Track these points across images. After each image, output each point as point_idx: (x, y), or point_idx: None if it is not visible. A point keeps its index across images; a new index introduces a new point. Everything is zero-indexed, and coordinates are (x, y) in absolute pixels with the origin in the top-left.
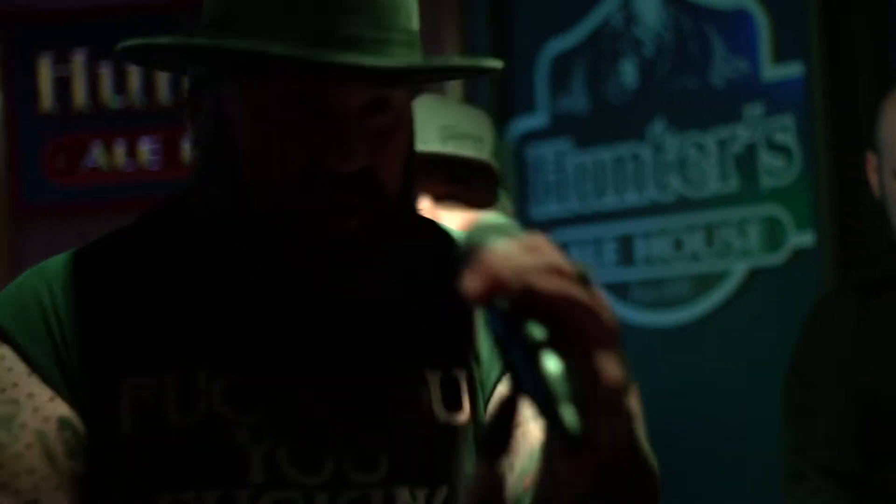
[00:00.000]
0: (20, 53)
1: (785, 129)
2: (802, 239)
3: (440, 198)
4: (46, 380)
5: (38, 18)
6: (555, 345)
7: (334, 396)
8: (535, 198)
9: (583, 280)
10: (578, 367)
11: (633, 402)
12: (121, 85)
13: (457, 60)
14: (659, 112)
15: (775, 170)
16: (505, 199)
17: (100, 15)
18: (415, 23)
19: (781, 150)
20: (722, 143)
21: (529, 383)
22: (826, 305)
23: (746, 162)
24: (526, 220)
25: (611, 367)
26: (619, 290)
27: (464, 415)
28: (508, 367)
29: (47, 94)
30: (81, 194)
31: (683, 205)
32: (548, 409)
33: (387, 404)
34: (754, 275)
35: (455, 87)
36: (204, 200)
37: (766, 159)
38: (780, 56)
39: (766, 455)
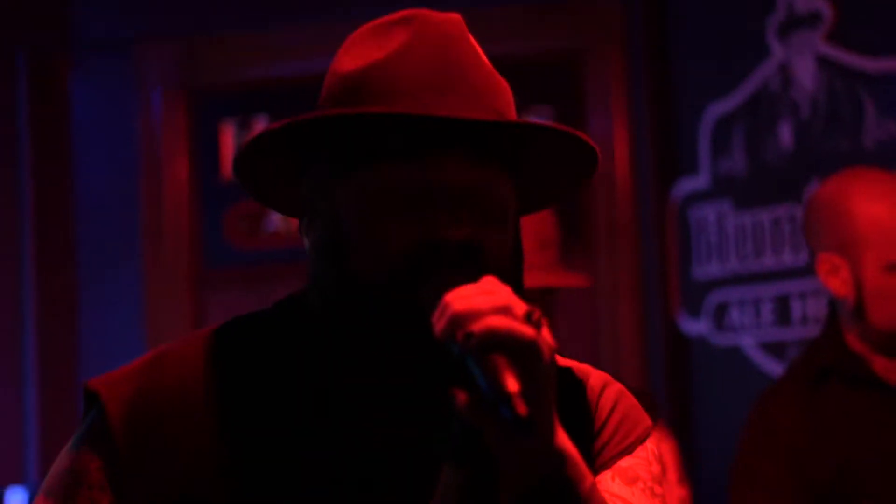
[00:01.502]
0: (205, 122)
1: None
2: None
3: None
4: (128, 486)
5: (223, 88)
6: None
7: None
8: (698, 258)
9: (529, 318)
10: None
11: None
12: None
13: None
14: (814, 173)
15: None
16: None
17: (281, 83)
18: (509, 108)
19: None
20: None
21: (486, 386)
22: (771, 399)
23: None
24: (689, 281)
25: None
26: (777, 350)
27: None
28: (471, 385)
29: (229, 162)
30: (262, 258)
31: None
32: (502, 401)
33: None
34: None
35: (622, 149)
36: (322, 297)
37: None
38: None
39: None
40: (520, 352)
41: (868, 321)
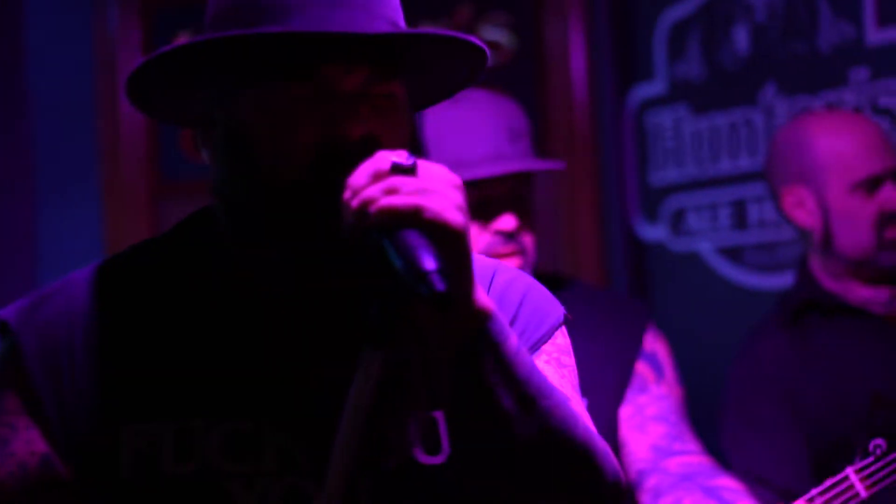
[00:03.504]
0: (160, 34)
1: (890, 93)
2: None
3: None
4: (45, 412)
5: (178, 1)
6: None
7: (322, 441)
8: (655, 164)
9: (408, 171)
10: (430, 235)
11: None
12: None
13: (438, 34)
14: (770, 77)
15: None
16: None
17: None
18: (398, 16)
19: (887, 113)
20: (830, 108)
21: (401, 266)
22: (757, 338)
23: None
24: (646, 187)
25: (448, 214)
26: (734, 254)
27: (443, 457)
28: (387, 266)
29: None
30: None
31: None
32: (418, 278)
33: (371, 446)
34: None
35: (578, 57)
36: (228, 203)
37: None
38: (885, 20)
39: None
40: (430, 226)
41: (836, 249)
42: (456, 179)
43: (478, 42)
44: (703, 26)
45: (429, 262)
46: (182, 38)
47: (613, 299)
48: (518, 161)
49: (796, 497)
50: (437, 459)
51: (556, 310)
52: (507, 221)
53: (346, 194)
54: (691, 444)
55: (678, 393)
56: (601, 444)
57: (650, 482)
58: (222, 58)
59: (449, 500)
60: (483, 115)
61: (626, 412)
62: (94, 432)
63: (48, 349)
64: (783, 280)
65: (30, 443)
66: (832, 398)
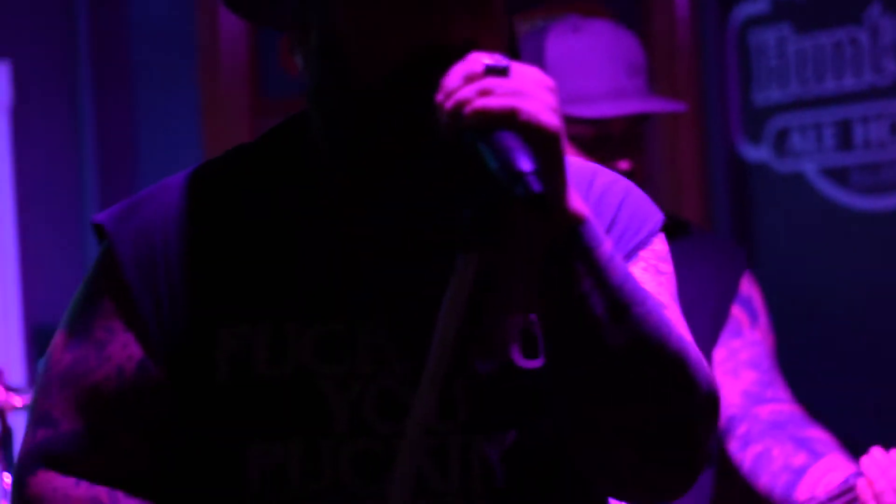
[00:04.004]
0: None
1: None
2: None
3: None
4: (142, 317)
5: None
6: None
7: (417, 345)
8: (758, 83)
9: (502, 73)
10: (525, 137)
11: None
12: None
13: None
14: None
15: None
16: None
17: None
18: None
19: None
20: None
21: (497, 167)
22: None
23: None
24: (749, 107)
25: (543, 116)
26: (839, 175)
27: (541, 361)
28: (482, 169)
29: None
30: None
31: None
32: (513, 179)
33: (466, 351)
34: None
35: None
36: (322, 106)
37: None
38: None
39: None
40: (525, 128)
41: None
42: (549, 81)
43: None
44: None
45: (525, 164)
46: None
47: (713, 241)
48: (638, 101)
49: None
50: (535, 363)
51: (656, 215)
52: (622, 165)
53: (440, 96)
54: (783, 391)
55: (771, 340)
56: (695, 354)
57: (741, 429)
58: None
59: (545, 405)
60: (603, 47)
61: (719, 355)
62: (190, 336)
63: (143, 254)
64: (889, 202)
65: (126, 346)
66: None
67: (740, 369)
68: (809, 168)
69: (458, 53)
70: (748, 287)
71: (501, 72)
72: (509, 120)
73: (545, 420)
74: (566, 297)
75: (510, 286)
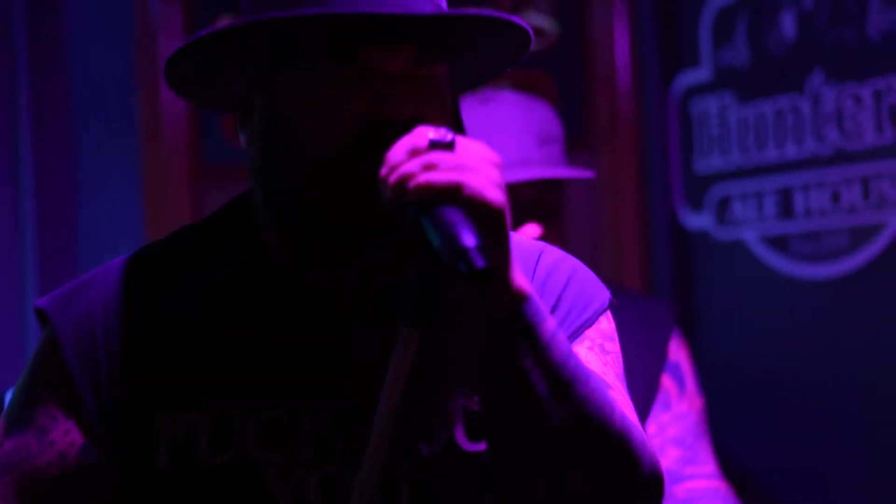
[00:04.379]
0: (202, 18)
1: None
2: None
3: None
4: (83, 402)
5: None
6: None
7: (359, 428)
8: (700, 151)
9: (447, 147)
10: (469, 212)
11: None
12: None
13: (481, 14)
14: (817, 64)
15: None
16: None
17: None
18: (443, 2)
19: None
20: (878, 95)
21: (440, 242)
22: None
23: None
24: (691, 174)
25: (487, 191)
26: (780, 243)
27: (485, 444)
28: (423, 245)
29: None
30: None
31: (841, 157)
32: (457, 255)
33: (409, 432)
34: None
35: (622, 43)
36: (267, 186)
37: None
38: None
39: None
40: (470, 203)
41: None
42: (495, 157)
43: (520, 22)
44: (749, 12)
45: (468, 239)
46: (222, 22)
47: (637, 301)
48: (544, 167)
49: None
50: (479, 446)
51: (602, 294)
52: (531, 230)
53: (384, 170)
54: (705, 465)
55: (698, 405)
56: (639, 434)
57: None
58: (262, 40)
59: (490, 488)
60: (513, 117)
61: (649, 429)
62: (131, 422)
63: (84, 339)
64: (829, 270)
65: (68, 433)
66: None
67: (666, 447)
68: (750, 236)
69: (404, 128)
70: (676, 350)
71: (447, 146)
72: (453, 195)
73: (488, 500)
74: (508, 375)
75: (453, 364)
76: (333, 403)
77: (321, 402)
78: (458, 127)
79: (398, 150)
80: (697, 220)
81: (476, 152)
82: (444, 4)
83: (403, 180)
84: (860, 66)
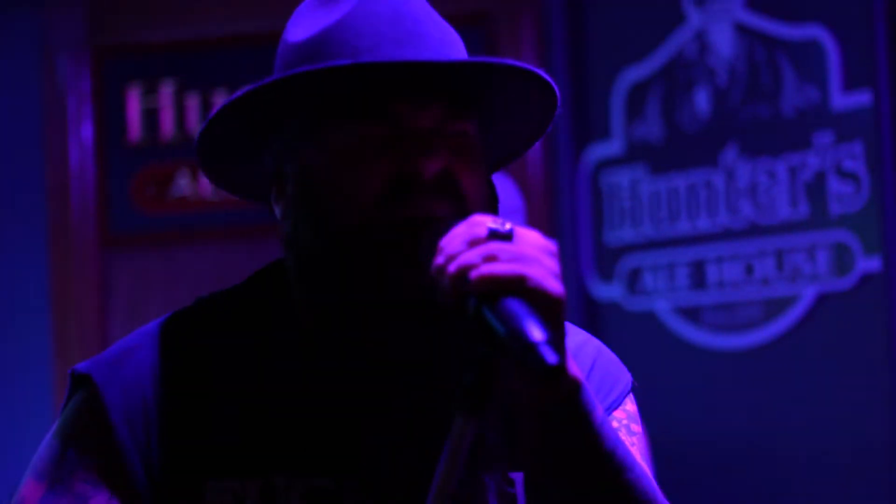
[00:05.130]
0: (110, 85)
1: (854, 157)
2: (871, 264)
3: None
4: (128, 471)
5: (129, 51)
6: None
7: (404, 497)
8: (611, 223)
9: (506, 237)
10: (532, 304)
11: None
12: (207, 115)
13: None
14: (731, 139)
15: (844, 196)
16: None
17: (188, 47)
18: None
19: (850, 177)
20: (792, 170)
21: (506, 334)
22: None
23: (816, 189)
24: (601, 246)
25: (549, 283)
26: (692, 314)
27: None
28: (486, 333)
29: (136, 125)
30: (169, 223)
31: (754, 230)
32: (526, 349)
33: None
34: (823, 299)
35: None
36: (298, 254)
37: (836, 186)
38: (850, 84)
39: (834, 478)
40: (533, 295)
41: None
42: (551, 246)
43: (549, 79)
44: (662, 88)
45: (537, 333)
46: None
47: None
48: None
49: None
50: None
51: (625, 375)
52: None
53: (440, 258)
54: None
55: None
56: None
57: None
58: (292, 101)
59: None
60: None
61: None
62: (177, 491)
63: (135, 406)
64: (742, 341)
65: (111, 500)
66: None
67: None
68: (662, 307)
69: (439, 185)
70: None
71: (505, 237)
72: (517, 286)
73: None
74: (560, 460)
75: (490, 444)
76: (376, 476)
77: (365, 473)
78: (491, 188)
79: (455, 239)
80: (608, 291)
81: (534, 242)
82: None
83: (463, 271)
84: (774, 142)
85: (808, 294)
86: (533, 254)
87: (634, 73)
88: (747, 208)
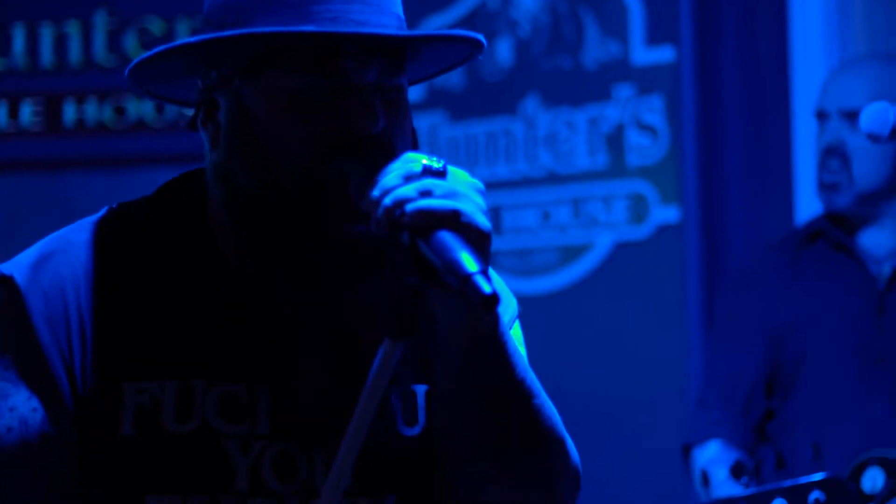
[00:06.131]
0: None
1: (653, 110)
2: (667, 214)
3: None
4: (49, 369)
5: None
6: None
7: (312, 408)
8: None
9: (438, 173)
10: (465, 237)
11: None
12: (4, 48)
13: (444, 33)
14: (532, 89)
15: (642, 148)
16: None
17: None
18: (401, 11)
19: (649, 129)
20: (592, 122)
21: (442, 266)
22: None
23: (615, 140)
24: None
25: (479, 218)
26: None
27: (420, 428)
28: (420, 265)
29: None
30: None
31: (552, 178)
32: (462, 279)
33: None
34: (620, 248)
35: None
36: (231, 189)
37: (634, 138)
38: (653, 39)
39: (626, 423)
40: (466, 229)
41: None
42: (479, 184)
43: (481, 38)
44: None
45: (473, 265)
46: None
47: None
48: None
49: None
50: (415, 431)
51: (512, 300)
52: None
53: (376, 192)
54: None
55: None
56: (569, 438)
57: None
58: (234, 49)
59: (422, 470)
60: None
61: None
62: (97, 390)
63: (56, 310)
64: (538, 285)
65: (31, 398)
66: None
67: None
68: None
69: (378, 142)
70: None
71: (439, 173)
72: (451, 220)
73: (423, 485)
74: (480, 383)
75: (403, 360)
76: (289, 383)
77: (278, 380)
78: (415, 136)
79: (391, 173)
80: None
81: (464, 179)
82: (402, 15)
83: (399, 204)
84: (575, 93)
85: (604, 242)
86: (464, 190)
87: (437, 21)
88: (546, 157)
